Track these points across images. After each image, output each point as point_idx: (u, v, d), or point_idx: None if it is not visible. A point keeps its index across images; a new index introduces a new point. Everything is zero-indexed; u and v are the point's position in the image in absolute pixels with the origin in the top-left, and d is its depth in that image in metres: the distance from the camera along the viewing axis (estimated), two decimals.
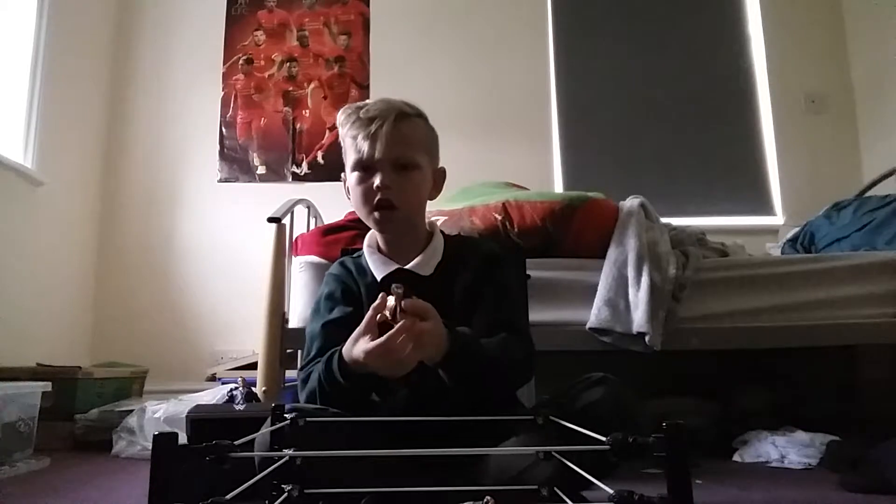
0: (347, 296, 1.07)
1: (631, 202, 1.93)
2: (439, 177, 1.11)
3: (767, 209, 3.29)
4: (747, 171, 3.34)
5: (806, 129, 3.33)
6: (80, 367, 2.32)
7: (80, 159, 3.10)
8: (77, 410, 2.18)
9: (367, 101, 1.05)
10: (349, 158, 1.04)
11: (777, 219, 3.25)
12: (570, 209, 1.81)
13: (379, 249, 1.10)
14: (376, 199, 1.00)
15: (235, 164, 3.30)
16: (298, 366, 2.47)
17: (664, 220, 2.01)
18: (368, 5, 3.46)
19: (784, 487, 1.53)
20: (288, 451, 0.62)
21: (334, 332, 0.98)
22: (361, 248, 1.12)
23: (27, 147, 2.65)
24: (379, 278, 1.05)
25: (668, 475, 0.41)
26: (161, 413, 2.02)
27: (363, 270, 1.09)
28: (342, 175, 1.09)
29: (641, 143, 3.38)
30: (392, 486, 0.72)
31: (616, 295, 1.74)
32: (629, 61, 3.47)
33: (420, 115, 1.07)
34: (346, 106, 1.06)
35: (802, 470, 1.74)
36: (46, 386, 1.91)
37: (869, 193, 2.61)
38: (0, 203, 2.46)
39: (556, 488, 0.68)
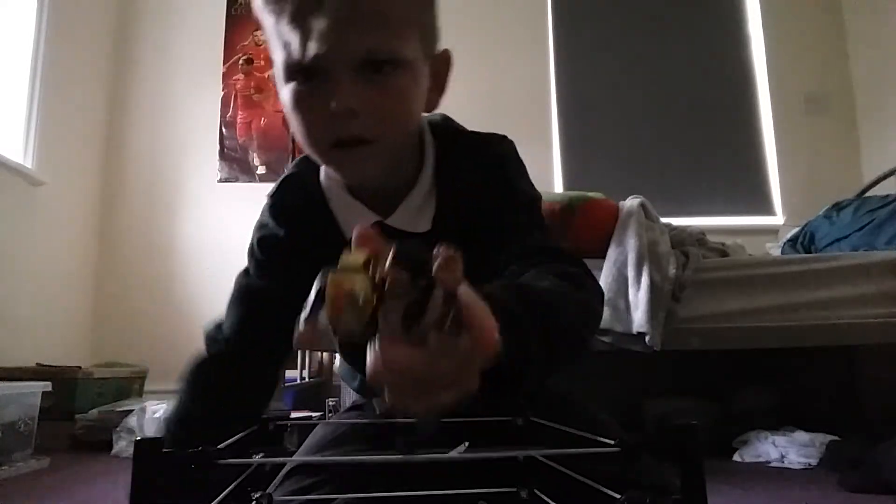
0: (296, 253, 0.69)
1: (631, 202, 1.93)
2: (442, 66, 0.64)
3: (767, 209, 3.29)
4: (747, 171, 3.34)
5: (806, 129, 3.32)
6: (80, 367, 2.33)
7: (80, 159, 3.09)
8: (77, 410, 2.18)
9: None
10: (276, 55, 0.58)
11: (777, 219, 3.25)
12: (569, 209, 1.82)
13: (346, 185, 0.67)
14: (335, 132, 0.57)
15: (235, 164, 3.30)
16: (299, 366, 2.47)
17: (664, 220, 2.01)
18: None
19: (784, 487, 1.53)
20: (257, 458, 0.54)
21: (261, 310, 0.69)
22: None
23: (27, 147, 2.65)
24: (348, 235, 0.57)
25: (682, 478, 0.40)
26: (161, 413, 2.02)
27: (321, 209, 0.68)
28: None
29: (641, 143, 3.37)
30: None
31: (616, 295, 1.74)
32: (629, 61, 3.47)
33: None
34: None
35: (802, 470, 1.74)
36: (46, 386, 1.91)
37: (869, 193, 2.61)
38: (0, 203, 2.46)
39: (536, 490, 0.55)
